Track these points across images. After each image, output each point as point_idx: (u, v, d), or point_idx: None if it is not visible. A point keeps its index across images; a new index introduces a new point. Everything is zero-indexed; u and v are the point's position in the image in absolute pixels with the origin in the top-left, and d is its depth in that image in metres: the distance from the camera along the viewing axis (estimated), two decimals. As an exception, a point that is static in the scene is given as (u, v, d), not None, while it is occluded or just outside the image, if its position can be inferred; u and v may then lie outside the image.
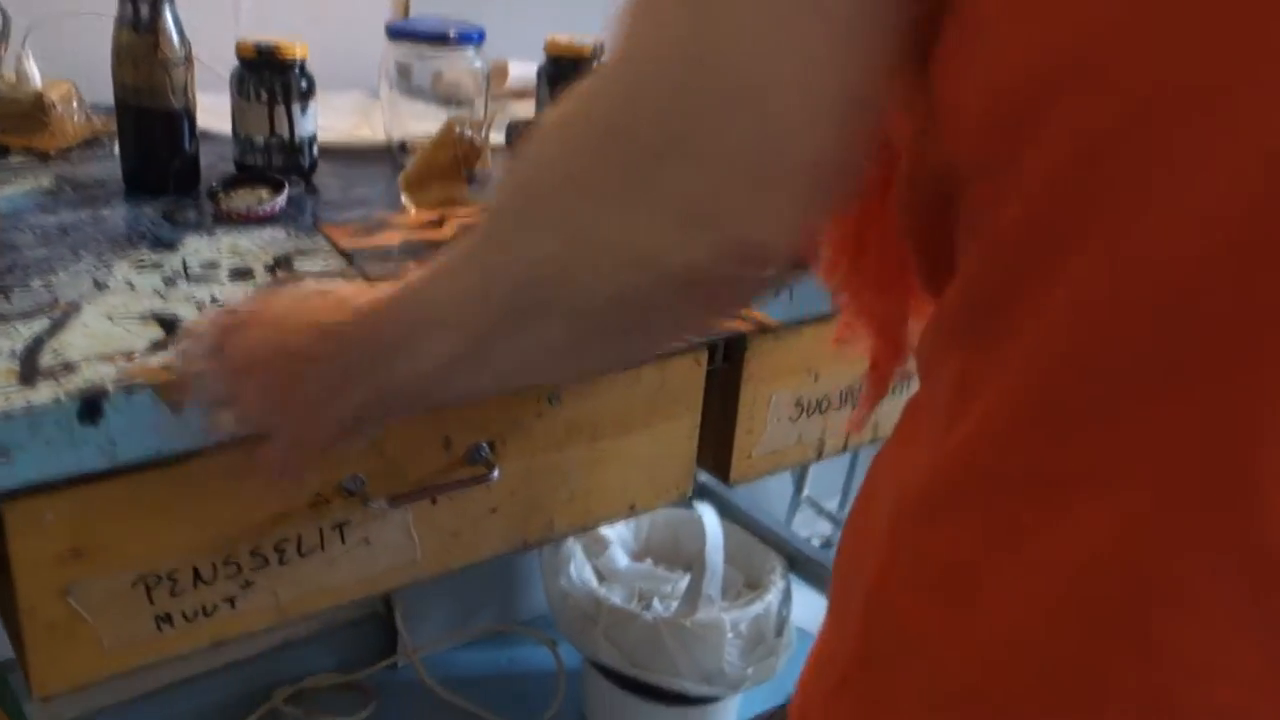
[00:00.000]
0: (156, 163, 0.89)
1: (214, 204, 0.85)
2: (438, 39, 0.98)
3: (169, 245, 0.79)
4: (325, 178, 0.98)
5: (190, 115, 0.88)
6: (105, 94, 1.14)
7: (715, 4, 0.36)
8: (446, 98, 1.08)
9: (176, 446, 0.62)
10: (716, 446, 0.91)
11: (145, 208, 0.86)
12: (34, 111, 0.95)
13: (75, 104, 1.00)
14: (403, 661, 1.64)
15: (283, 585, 0.71)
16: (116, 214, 0.84)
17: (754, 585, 1.64)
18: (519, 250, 0.42)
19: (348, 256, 0.79)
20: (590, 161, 0.39)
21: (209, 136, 0.97)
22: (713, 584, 1.51)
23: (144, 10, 0.84)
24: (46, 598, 0.62)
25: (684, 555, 1.71)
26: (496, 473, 0.75)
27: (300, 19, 1.30)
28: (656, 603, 1.60)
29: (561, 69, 1.05)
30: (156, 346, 0.64)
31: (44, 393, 0.58)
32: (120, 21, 0.85)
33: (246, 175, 0.89)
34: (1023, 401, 0.38)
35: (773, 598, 1.56)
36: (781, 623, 1.56)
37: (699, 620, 1.47)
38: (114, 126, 1.02)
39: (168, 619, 0.67)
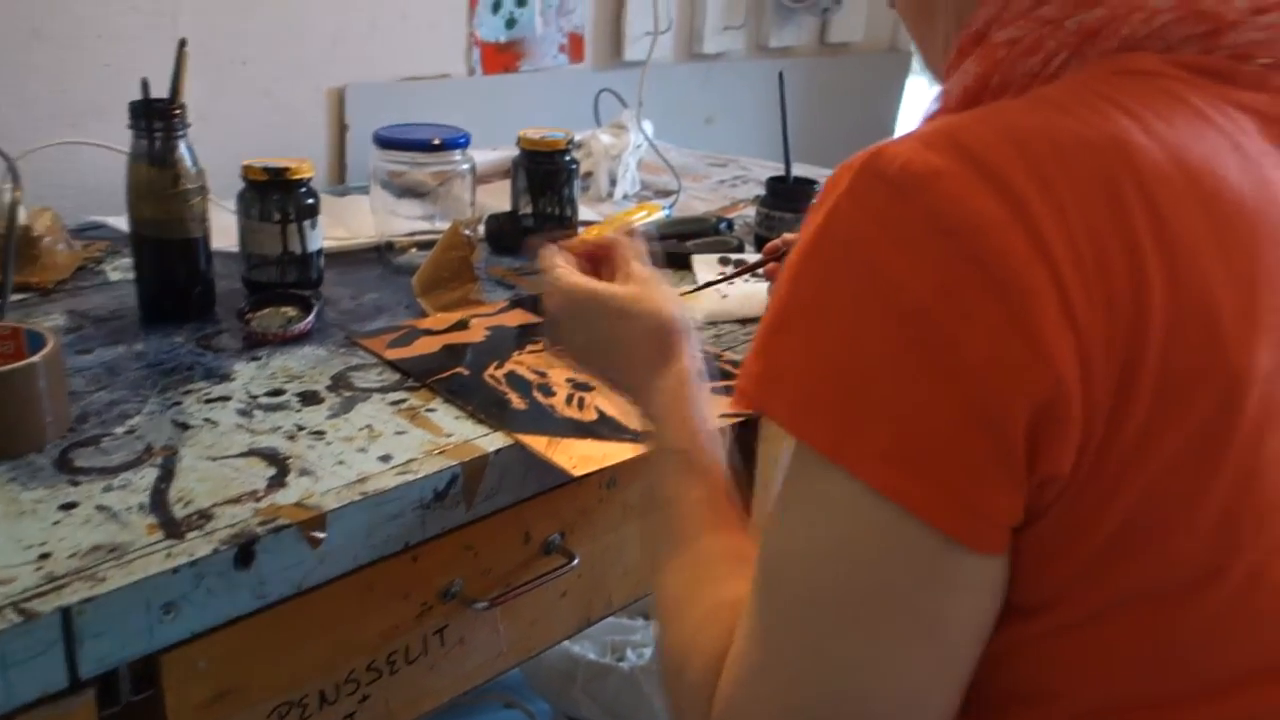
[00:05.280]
0: (175, 291, 0.89)
1: (244, 326, 0.87)
2: (425, 146, 1.02)
3: (224, 375, 0.80)
4: (330, 286, 1.00)
5: (207, 241, 0.90)
6: (77, 216, 1.13)
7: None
8: (407, 193, 1.12)
9: (314, 579, 0.65)
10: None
11: (174, 337, 0.87)
12: (22, 246, 0.94)
13: (60, 232, 0.99)
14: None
15: (393, 694, 0.74)
16: (150, 346, 0.85)
17: (712, 622, 1.71)
18: None
19: (402, 371, 0.83)
20: None
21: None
22: (683, 627, 1.57)
23: (159, 144, 0.85)
24: (195, 742, 0.64)
25: (641, 602, 1.76)
26: (577, 560, 0.80)
27: (243, 124, 1.31)
28: (629, 652, 1.65)
29: (536, 160, 1.12)
30: (275, 483, 0.66)
31: (200, 544, 0.60)
32: (135, 157, 0.86)
33: (269, 295, 0.91)
34: None
35: (734, 632, 1.64)
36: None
37: (673, 664, 1.53)
38: (98, 252, 1.02)
39: (296, 744, 0.69)
